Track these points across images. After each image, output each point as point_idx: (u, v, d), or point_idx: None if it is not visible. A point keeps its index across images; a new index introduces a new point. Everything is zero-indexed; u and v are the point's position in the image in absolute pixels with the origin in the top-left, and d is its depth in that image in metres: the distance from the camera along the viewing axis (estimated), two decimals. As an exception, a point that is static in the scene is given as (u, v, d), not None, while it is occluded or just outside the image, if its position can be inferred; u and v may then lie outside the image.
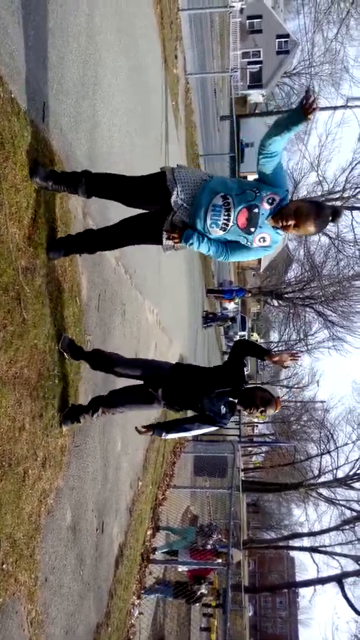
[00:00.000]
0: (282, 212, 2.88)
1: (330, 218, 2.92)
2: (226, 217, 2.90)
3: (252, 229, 2.92)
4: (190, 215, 2.97)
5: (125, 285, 5.31)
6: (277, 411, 3.47)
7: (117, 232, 3.18)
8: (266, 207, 2.88)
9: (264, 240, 2.99)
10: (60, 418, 3.26)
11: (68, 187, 3.00)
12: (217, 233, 2.97)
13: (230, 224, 2.92)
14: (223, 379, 3.43)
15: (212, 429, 3.54)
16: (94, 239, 3.21)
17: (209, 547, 7.40)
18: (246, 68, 40.91)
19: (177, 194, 2.94)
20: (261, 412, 3.40)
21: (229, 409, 3.43)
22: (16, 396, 2.63)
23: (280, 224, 2.89)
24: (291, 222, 2.86)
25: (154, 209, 3.07)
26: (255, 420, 34.30)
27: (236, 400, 3.43)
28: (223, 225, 2.93)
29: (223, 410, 3.39)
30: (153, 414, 7.34)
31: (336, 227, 25.78)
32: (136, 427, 3.60)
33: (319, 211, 2.88)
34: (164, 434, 3.53)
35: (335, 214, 2.94)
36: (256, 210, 2.88)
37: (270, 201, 2.87)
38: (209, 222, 2.92)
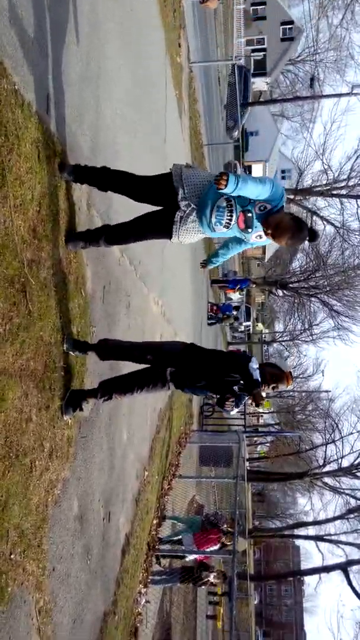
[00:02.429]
0: (267, 219, 3.16)
1: (307, 239, 3.23)
2: (229, 217, 3.20)
3: (249, 230, 3.24)
4: (196, 214, 3.25)
5: (129, 277, 5.31)
6: (289, 386, 3.49)
7: (130, 230, 3.44)
8: (257, 211, 3.17)
9: (260, 237, 3.29)
10: (61, 407, 3.18)
11: (88, 180, 3.37)
12: (220, 230, 3.26)
13: (233, 222, 3.22)
14: (231, 365, 3.44)
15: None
16: (110, 234, 3.45)
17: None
18: (250, 56, 40.53)
19: (184, 193, 3.22)
20: (273, 388, 3.44)
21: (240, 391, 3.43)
22: (23, 388, 2.64)
23: (264, 227, 3.19)
24: (269, 232, 3.16)
25: (162, 205, 3.35)
26: (260, 410, 34.36)
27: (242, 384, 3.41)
28: (226, 224, 3.22)
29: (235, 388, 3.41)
30: (159, 402, 7.37)
31: (341, 216, 25.69)
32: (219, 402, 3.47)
33: (297, 232, 3.15)
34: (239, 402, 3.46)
35: (313, 235, 3.25)
36: (250, 214, 3.18)
37: (261, 208, 3.16)
38: (213, 220, 3.21)
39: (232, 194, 3.03)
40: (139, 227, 3.44)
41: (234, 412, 3.51)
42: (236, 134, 24.39)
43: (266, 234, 3.21)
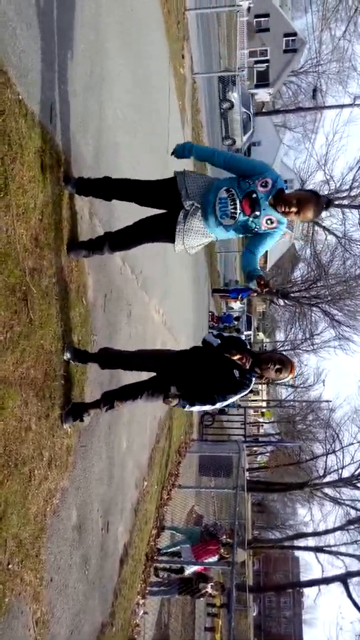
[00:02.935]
0: (284, 199, 3.14)
1: (324, 206, 3.25)
2: (233, 207, 3.17)
3: (258, 213, 3.19)
4: (202, 212, 3.24)
5: (131, 286, 5.32)
6: (291, 376, 3.45)
7: (134, 232, 3.43)
8: (262, 190, 3.15)
9: (271, 222, 3.24)
10: (62, 416, 3.18)
11: (92, 191, 3.41)
12: (228, 222, 3.23)
13: (238, 211, 3.18)
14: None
15: (236, 397, 3.49)
16: (113, 239, 3.45)
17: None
18: (253, 67, 40.76)
19: (187, 193, 3.24)
20: (277, 370, 3.37)
21: (246, 373, 3.39)
22: (22, 397, 2.64)
23: (283, 209, 3.15)
24: (294, 209, 3.13)
25: (166, 208, 3.34)
26: (261, 419, 34.29)
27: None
28: (232, 214, 3.19)
29: (237, 374, 3.36)
30: (159, 410, 7.35)
31: (343, 226, 25.76)
32: (164, 397, 3.41)
33: (317, 199, 3.19)
34: (187, 405, 3.39)
35: (329, 202, 3.31)
36: (254, 195, 3.15)
37: (264, 184, 3.16)
38: (219, 214, 3.20)
39: (188, 155, 3.25)
40: (142, 230, 3.43)
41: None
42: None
43: (288, 214, 3.16)
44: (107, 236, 3.49)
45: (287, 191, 3.21)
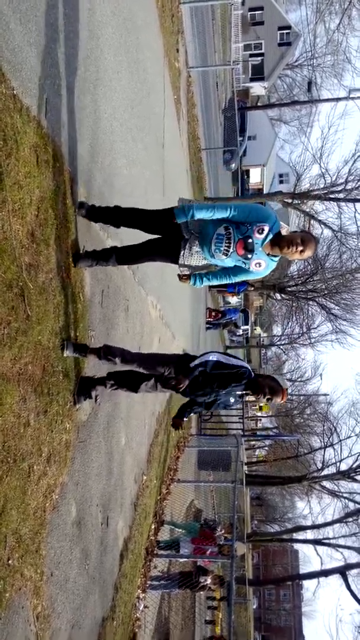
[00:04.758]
0: (289, 240, 3.32)
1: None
2: (227, 245, 3.39)
3: (249, 256, 3.40)
4: (199, 241, 3.49)
5: (128, 281, 5.31)
6: (282, 402, 3.67)
7: (139, 251, 3.68)
8: (258, 236, 3.34)
9: (260, 266, 3.48)
10: (73, 397, 3.40)
11: (103, 219, 3.71)
12: (220, 257, 3.45)
13: (231, 250, 3.40)
14: (236, 376, 3.64)
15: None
16: (121, 255, 3.68)
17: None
18: (248, 60, 40.62)
19: (187, 225, 3.46)
20: (267, 399, 3.60)
21: (239, 397, 3.74)
22: (21, 392, 2.64)
23: (289, 249, 3.31)
24: (300, 248, 3.31)
25: (169, 235, 3.59)
26: (259, 413, 34.34)
27: (244, 389, 3.66)
28: (225, 251, 3.41)
29: (232, 400, 3.69)
30: (157, 405, 7.36)
31: (339, 219, 25.73)
32: (173, 422, 3.99)
33: (315, 239, 3.48)
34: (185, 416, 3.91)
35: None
36: (250, 240, 3.35)
37: (260, 231, 3.33)
38: (213, 248, 3.42)
39: (189, 217, 3.34)
40: (147, 250, 3.66)
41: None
42: (233, 166, 24.96)
43: (294, 253, 3.31)
44: (115, 250, 3.70)
45: (283, 232, 3.42)
